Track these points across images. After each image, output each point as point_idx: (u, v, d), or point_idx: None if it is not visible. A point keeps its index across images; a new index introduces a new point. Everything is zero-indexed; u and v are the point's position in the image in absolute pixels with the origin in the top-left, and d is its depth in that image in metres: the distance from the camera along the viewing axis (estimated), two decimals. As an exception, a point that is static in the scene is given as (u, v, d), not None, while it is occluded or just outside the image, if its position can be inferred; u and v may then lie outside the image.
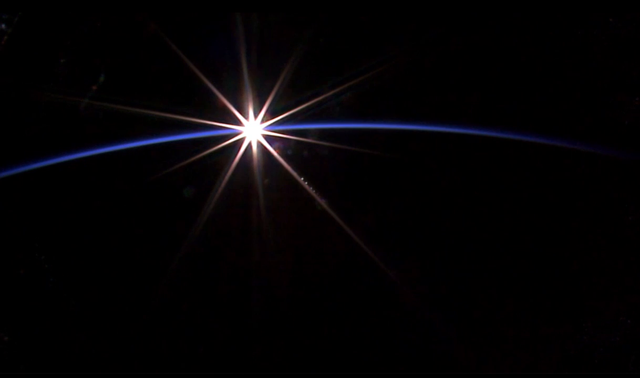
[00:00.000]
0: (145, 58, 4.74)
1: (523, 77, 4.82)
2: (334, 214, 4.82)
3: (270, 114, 4.82)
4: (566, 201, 4.86)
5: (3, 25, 4.39)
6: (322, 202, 4.84)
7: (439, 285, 4.85)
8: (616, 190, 4.75)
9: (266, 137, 4.88)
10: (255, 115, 4.81)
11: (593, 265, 4.78)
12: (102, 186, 4.78)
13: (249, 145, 4.86)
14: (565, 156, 4.77)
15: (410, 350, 4.84)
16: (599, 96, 4.69)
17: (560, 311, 4.79)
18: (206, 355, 4.85)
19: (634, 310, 4.70)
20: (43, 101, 4.61)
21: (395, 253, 4.83)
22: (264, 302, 4.84)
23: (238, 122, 4.80)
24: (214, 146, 4.79)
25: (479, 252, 4.88)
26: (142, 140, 4.73)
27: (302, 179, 4.85)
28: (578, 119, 4.76)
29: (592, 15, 4.60)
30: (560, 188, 4.86)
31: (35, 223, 4.67)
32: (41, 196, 4.69)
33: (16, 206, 4.65)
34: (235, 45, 4.70)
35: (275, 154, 4.88)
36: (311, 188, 4.85)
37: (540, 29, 4.69)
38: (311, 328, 4.91)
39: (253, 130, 4.85)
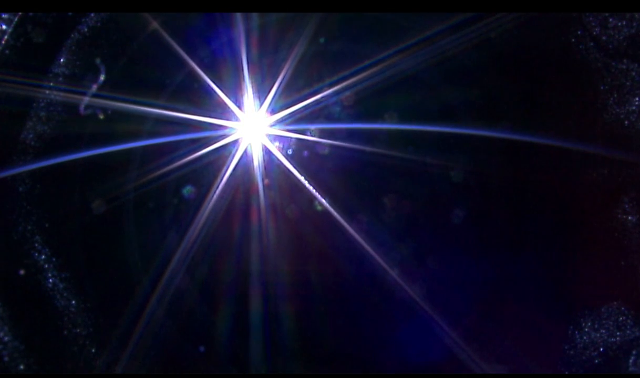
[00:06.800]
0: (146, 57, 4.74)
1: (522, 78, 4.82)
2: (335, 213, 4.83)
3: (271, 113, 4.83)
4: (566, 201, 4.86)
5: (3, 25, 4.39)
6: (323, 202, 4.84)
7: (439, 284, 4.85)
8: (616, 190, 4.75)
9: (266, 136, 4.88)
10: (256, 115, 4.82)
11: (593, 264, 4.78)
12: (100, 186, 4.78)
13: (249, 145, 4.87)
14: (565, 156, 4.77)
15: (410, 349, 4.84)
16: (599, 96, 4.69)
17: (560, 311, 4.80)
18: (206, 355, 4.85)
19: (634, 310, 4.70)
20: (43, 101, 4.61)
21: (396, 252, 4.83)
22: (264, 302, 4.85)
23: (238, 122, 4.81)
24: (213, 145, 4.79)
25: (478, 252, 4.88)
26: (143, 139, 4.73)
27: (303, 178, 4.86)
28: (578, 119, 4.76)
29: (592, 15, 4.60)
30: (560, 188, 4.86)
31: (36, 223, 4.67)
32: (41, 196, 4.69)
33: (16, 206, 4.65)
34: (235, 44, 4.70)
35: (275, 153, 4.88)
36: (311, 187, 4.85)
37: (540, 29, 4.69)
38: (311, 327, 4.91)
39: (253, 129, 4.85)
